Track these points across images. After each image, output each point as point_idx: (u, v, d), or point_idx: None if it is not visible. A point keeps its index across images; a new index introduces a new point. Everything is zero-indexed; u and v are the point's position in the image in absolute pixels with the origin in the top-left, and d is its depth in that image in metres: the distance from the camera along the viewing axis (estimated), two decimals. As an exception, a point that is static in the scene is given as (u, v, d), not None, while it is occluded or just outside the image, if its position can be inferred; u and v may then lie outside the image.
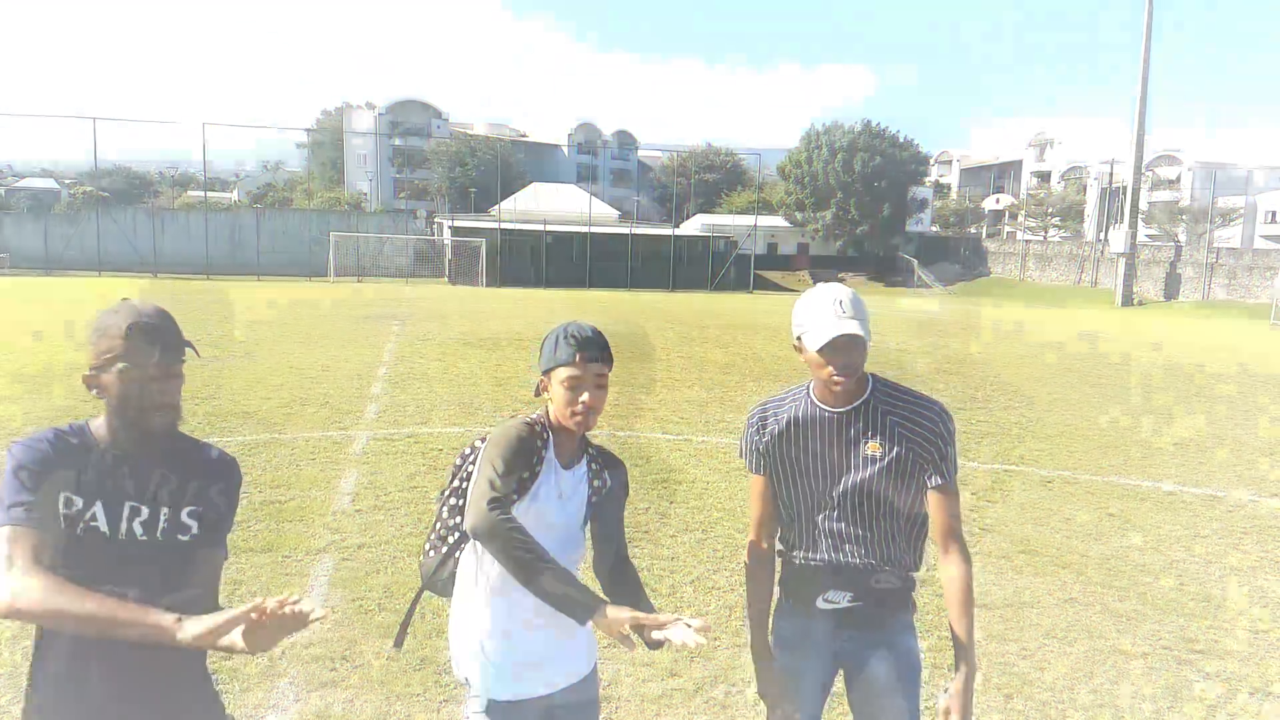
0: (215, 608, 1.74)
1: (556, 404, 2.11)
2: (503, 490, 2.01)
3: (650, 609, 2.06)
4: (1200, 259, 45.10)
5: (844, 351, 2.23)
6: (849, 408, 2.33)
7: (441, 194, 69.44)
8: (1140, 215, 47.25)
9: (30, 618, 1.66)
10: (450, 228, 47.98)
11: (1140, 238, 47.33)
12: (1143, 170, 47.34)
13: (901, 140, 57.40)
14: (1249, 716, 3.93)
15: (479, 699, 2.15)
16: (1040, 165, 77.27)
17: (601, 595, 2.15)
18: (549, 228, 47.53)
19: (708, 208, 67.68)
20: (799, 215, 57.87)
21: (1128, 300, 44.19)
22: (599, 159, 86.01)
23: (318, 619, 1.60)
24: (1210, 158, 63.98)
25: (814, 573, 2.41)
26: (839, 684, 2.49)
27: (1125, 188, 45.51)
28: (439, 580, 2.25)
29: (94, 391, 1.85)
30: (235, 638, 1.56)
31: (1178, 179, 64.31)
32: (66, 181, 62.14)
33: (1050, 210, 66.16)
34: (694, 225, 58.77)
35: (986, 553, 5.85)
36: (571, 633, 2.15)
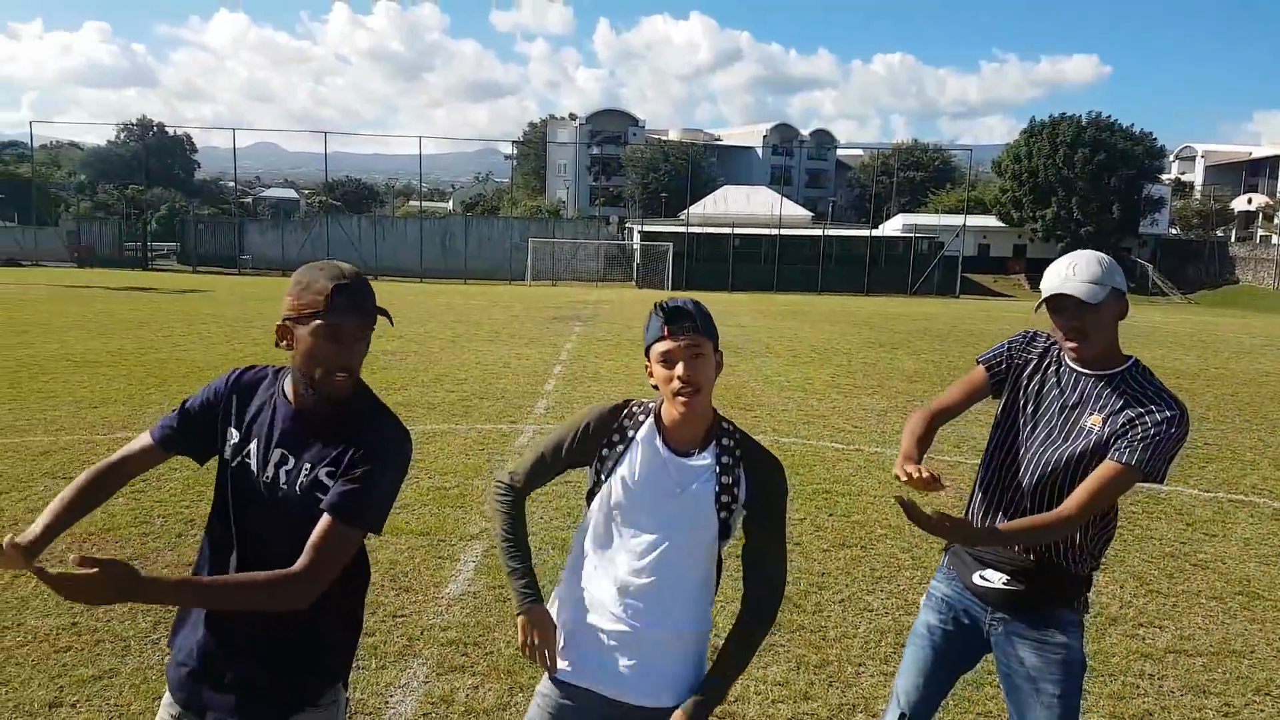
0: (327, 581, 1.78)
1: (660, 383, 1.99)
2: (527, 466, 2.12)
3: (705, 686, 1.99)
4: None
5: (1061, 313, 2.21)
6: (1091, 373, 2.27)
7: (634, 199, 71.16)
8: None
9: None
10: (640, 232, 49.00)
11: None
12: None
13: (1137, 133, 52.32)
14: None
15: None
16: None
17: (538, 597, 2.11)
18: (737, 230, 47.32)
19: (911, 207, 64.82)
20: (1015, 214, 54.22)
21: None
22: (793, 160, 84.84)
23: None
24: None
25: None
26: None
27: None
28: None
29: (282, 344, 1.86)
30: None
31: None
32: (305, 191, 69.52)
33: (1313, 211, 57.93)
34: (894, 225, 56.44)
35: (1196, 592, 5.08)
36: (670, 653, 2.01)
